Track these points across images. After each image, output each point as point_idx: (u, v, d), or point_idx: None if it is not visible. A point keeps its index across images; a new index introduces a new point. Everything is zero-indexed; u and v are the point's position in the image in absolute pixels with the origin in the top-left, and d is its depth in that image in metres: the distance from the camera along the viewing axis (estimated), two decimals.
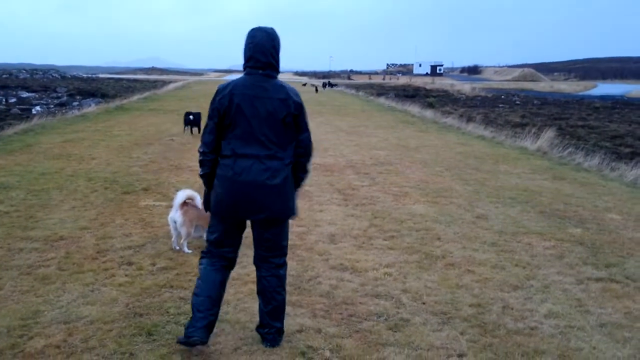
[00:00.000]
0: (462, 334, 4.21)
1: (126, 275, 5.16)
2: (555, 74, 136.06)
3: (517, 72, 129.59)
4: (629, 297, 5.01)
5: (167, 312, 4.41)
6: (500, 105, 33.03)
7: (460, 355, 3.90)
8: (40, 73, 70.08)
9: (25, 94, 32.70)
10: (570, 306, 4.78)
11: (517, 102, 36.17)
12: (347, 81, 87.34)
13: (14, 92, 33.56)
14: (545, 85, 78.47)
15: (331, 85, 59.86)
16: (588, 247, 6.37)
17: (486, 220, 7.35)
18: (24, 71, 73.38)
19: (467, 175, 10.46)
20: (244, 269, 5.39)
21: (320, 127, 18.26)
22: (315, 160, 11.57)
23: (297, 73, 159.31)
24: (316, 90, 49.50)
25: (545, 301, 4.86)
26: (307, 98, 35.03)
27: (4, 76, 59.70)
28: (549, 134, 15.26)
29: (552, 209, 8.04)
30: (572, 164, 12.37)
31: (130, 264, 5.47)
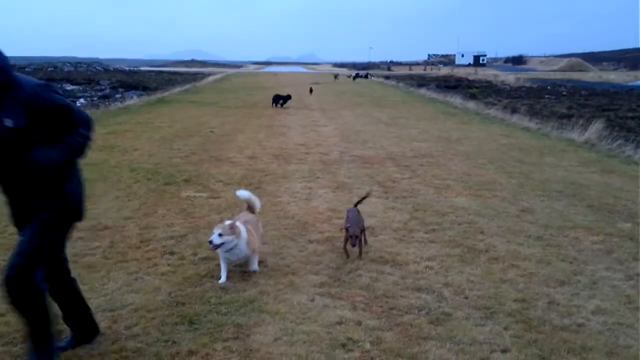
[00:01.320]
0: (505, 329, 4.11)
1: (169, 265, 5.24)
2: (604, 63, 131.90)
3: (563, 62, 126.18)
4: None
5: (209, 302, 4.45)
6: (546, 96, 32.17)
7: (504, 351, 3.81)
8: (84, 66, 71.71)
9: (70, 87, 33.55)
10: (619, 303, 4.61)
11: (564, 93, 35.18)
12: (387, 72, 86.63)
13: (59, 85, 34.42)
14: (593, 75, 76.11)
15: (361, 76, 59.38)
16: (638, 242, 6.13)
17: (531, 214, 7.16)
18: (69, 64, 75.23)
19: (511, 167, 10.22)
20: (283, 260, 5.41)
21: (359, 119, 18.15)
22: (355, 152, 11.53)
23: (335, 64, 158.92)
24: (335, 77, 50.20)
25: (592, 297, 4.70)
26: (346, 89, 34.91)
27: (49, 69, 61.33)
28: (597, 125, 14.77)
29: (601, 203, 7.78)
30: (621, 156, 11.95)
31: (172, 253, 5.55)
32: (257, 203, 5.66)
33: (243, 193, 5.62)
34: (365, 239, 5.72)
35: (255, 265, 5.15)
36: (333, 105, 23.61)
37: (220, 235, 4.71)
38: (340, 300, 4.55)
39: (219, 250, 4.81)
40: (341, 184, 8.71)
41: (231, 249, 4.80)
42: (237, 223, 4.91)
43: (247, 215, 5.39)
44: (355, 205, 5.88)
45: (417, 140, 13.58)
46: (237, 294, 4.62)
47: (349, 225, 5.38)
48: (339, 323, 4.15)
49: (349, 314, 4.31)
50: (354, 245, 5.34)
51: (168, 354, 3.69)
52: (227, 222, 4.85)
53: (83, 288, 4.60)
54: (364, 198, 6.07)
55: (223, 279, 4.88)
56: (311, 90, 27.33)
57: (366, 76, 59.62)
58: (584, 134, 14.21)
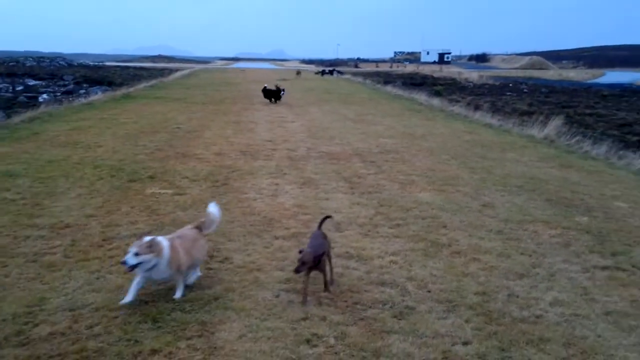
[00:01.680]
0: (467, 321, 4.21)
1: None
2: (564, 62, 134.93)
3: (525, 60, 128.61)
4: (635, 285, 5.00)
5: (173, 300, 4.43)
6: (508, 93, 32.79)
7: (465, 343, 3.91)
8: (47, 61, 70.02)
9: (32, 82, 32.69)
10: (576, 294, 4.77)
11: (525, 90, 35.90)
12: (355, 69, 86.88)
13: (21, 80, 33.51)
14: (553, 73, 77.82)
15: (327, 72, 59.42)
16: (594, 236, 6.34)
17: (492, 209, 7.32)
18: (31, 59, 73.35)
19: (473, 163, 10.41)
20: (249, 257, 5.41)
21: (326, 116, 18.19)
22: (321, 148, 11.56)
23: (303, 61, 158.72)
24: (297, 73, 49.98)
25: (550, 289, 4.85)
26: (314, 86, 34.94)
27: (11, 64, 59.71)
28: (556, 122, 15.15)
29: (559, 197, 8.00)
30: (579, 152, 12.29)
31: None
32: (214, 224, 4.99)
33: (213, 209, 5.02)
34: (329, 266, 4.84)
35: (179, 292, 4.49)
36: (300, 101, 23.59)
37: (136, 254, 4.14)
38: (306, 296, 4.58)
39: (136, 271, 4.25)
40: (308, 180, 8.73)
41: (150, 269, 4.25)
42: (159, 239, 4.33)
43: (187, 231, 4.77)
44: (319, 227, 5.06)
45: (383, 136, 13.69)
46: (201, 291, 4.61)
47: (304, 249, 4.51)
48: (304, 319, 4.18)
49: (314, 309, 4.35)
50: (296, 272, 4.35)
51: (130, 353, 3.67)
52: (147, 239, 4.24)
53: (43, 288, 4.55)
54: (325, 219, 5.15)
55: (128, 298, 4.31)
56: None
57: (331, 72, 59.51)
58: (543, 131, 14.56)
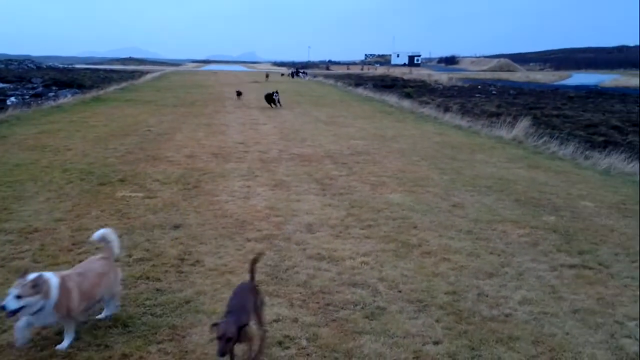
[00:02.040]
0: (437, 321, 4.27)
1: None
2: (531, 64, 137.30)
3: (493, 62, 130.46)
4: (601, 283, 5.12)
5: (143, 304, 4.40)
6: (477, 95, 33.27)
7: (435, 343, 3.96)
8: (16, 63, 68.62)
9: (0, 85, 32.03)
10: (544, 293, 4.87)
11: (494, 92, 36.47)
12: (326, 71, 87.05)
13: None
14: (521, 75, 79.12)
15: (298, 74, 59.03)
16: (562, 235, 6.48)
17: (462, 209, 7.43)
18: None
19: (443, 164, 10.55)
20: (221, 260, 5.40)
21: (298, 118, 18.22)
22: (293, 150, 11.58)
23: (275, 63, 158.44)
24: (266, 76, 48.44)
25: (519, 288, 4.95)
26: (285, 88, 34.90)
27: None
28: (524, 123, 15.44)
29: (527, 197, 8.16)
30: (546, 152, 12.54)
31: None
32: (115, 245, 4.27)
33: (98, 234, 4.25)
34: (261, 333, 3.69)
35: (66, 340, 3.75)
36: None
37: (18, 297, 3.44)
38: (278, 297, 4.60)
39: (19, 315, 3.56)
40: (280, 182, 8.74)
41: (35, 312, 3.55)
42: (47, 276, 3.63)
43: (94, 264, 4.07)
44: (252, 279, 3.86)
45: (354, 138, 13.77)
46: (172, 294, 4.58)
47: (221, 320, 3.35)
48: (276, 321, 4.20)
49: (286, 311, 4.36)
50: (221, 355, 3.19)
51: (100, 358, 3.64)
52: (31, 276, 3.54)
53: None
54: (255, 263, 3.91)
55: (19, 342, 3.68)
56: (239, 94, 25.37)
57: (297, 73, 58.86)
58: (512, 132, 14.81)
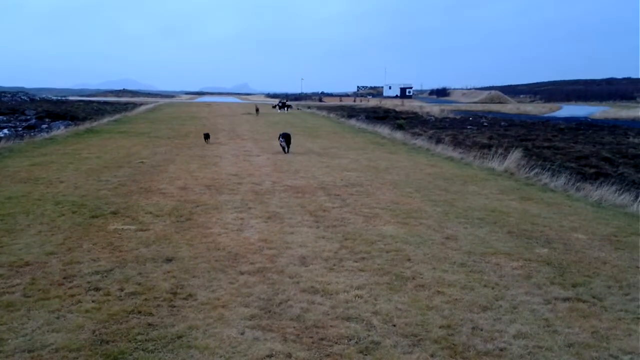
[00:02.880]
0: (432, 356, 4.24)
1: (93, 301, 5.08)
2: (522, 96, 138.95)
3: (484, 95, 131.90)
4: (595, 316, 5.11)
5: (135, 339, 4.34)
6: (469, 127, 33.61)
7: None
8: (9, 95, 68.81)
9: None
10: (539, 326, 4.85)
11: (485, 124, 36.86)
12: (319, 103, 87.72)
13: None
14: (512, 107, 79.94)
15: (286, 106, 54.80)
16: (555, 267, 6.48)
17: (455, 241, 7.43)
18: None
19: (436, 196, 10.58)
20: (214, 293, 5.36)
21: (291, 149, 18.30)
22: (287, 182, 11.60)
23: (269, 95, 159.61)
24: (256, 110, 42.18)
25: (514, 322, 4.92)
26: (278, 119, 35.14)
27: None
28: (515, 155, 15.55)
29: (520, 229, 8.18)
30: (538, 184, 12.62)
31: (97, 289, 5.38)
32: None
33: None
34: None
35: None
36: (265, 135, 23.68)
37: None
38: (271, 332, 4.56)
39: None
40: (273, 214, 8.74)
41: None
42: None
43: None
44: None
45: (347, 169, 13.82)
46: (164, 329, 4.53)
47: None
48: (269, 356, 4.15)
49: (280, 346, 4.32)
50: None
51: None
52: None
53: (1, 328, 4.41)
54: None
55: None
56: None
57: (282, 106, 54.95)
58: (503, 163, 14.91)
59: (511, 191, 11.49)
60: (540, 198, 10.85)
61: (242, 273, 5.96)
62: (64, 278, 5.66)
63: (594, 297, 5.58)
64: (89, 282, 5.56)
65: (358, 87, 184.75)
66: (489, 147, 20.57)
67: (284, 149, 16.99)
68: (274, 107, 54.40)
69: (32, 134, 21.72)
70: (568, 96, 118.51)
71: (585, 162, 17.88)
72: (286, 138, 17.27)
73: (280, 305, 5.13)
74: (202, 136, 20.48)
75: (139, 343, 4.28)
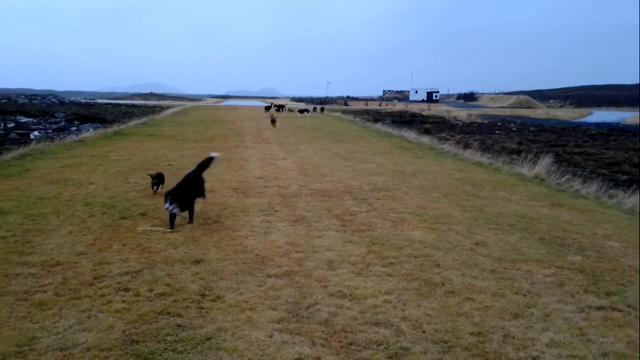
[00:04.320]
0: None
1: (123, 302, 5.12)
2: (551, 101, 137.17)
3: (512, 99, 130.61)
4: (630, 325, 4.98)
5: (164, 340, 4.36)
6: (497, 132, 33.21)
7: None
8: (39, 98, 70.40)
9: (23, 119, 32.74)
10: (572, 335, 4.73)
11: (514, 129, 36.40)
12: (344, 107, 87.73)
13: (13, 117, 33.58)
14: (541, 112, 78.93)
15: (307, 110, 53.61)
16: (588, 275, 6.34)
17: (485, 247, 7.32)
18: (23, 96, 73.76)
19: (465, 201, 10.46)
20: (242, 296, 5.36)
21: (317, 153, 18.30)
22: (313, 185, 11.58)
23: (294, 99, 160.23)
24: (272, 122, 36.97)
25: (546, 330, 4.82)
26: (304, 123, 35.20)
27: (3, 101, 59.91)
28: (546, 160, 15.30)
29: (551, 236, 8.02)
30: (570, 190, 12.38)
31: (127, 289, 5.43)
32: None
33: None
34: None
35: None
36: (291, 139, 23.74)
37: None
38: (299, 335, 4.53)
39: None
40: (300, 217, 8.72)
41: None
42: None
43: None
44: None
45: (373, 174, 13.76)
46: (193, 331, 4.54)
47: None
48: (298, 359, 4.12)
49: (308, 350, 4.29)
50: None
51: None
52: None
53: (33, 327, 4.47)
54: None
55: None
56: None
57: (279, 108, 54.51)
58: (533, 169, 14.67)
59: (542, 197, 11.29)
60: (572, 204, 10.64)
61: (269, 276, 5.95)
62: (95, 278, 5.72)
63: (628, 306, 5.43)
64: (118, 283, 5.61)
65: (384, 91, 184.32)
66: (519, 152, 20.29)
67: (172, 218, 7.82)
68: (299, 111, 53.89)
69: (61, 136, 22.10)
70: (598, 101, 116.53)
71: (618, 168, 17.50)
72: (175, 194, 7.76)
73: (308, 309, 5.10)
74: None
75: (169, 344, 4.29)
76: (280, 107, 56.64)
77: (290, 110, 57.15)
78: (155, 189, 10.31)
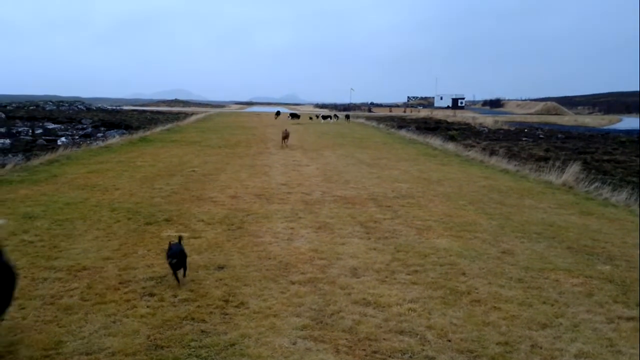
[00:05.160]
0: None
1: (148, 307, 5.14)
2: (579, 107, 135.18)
3: (540, 106, 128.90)
4: None
5: (189, 345, 4.37)
6: (524, 139, 32.80)
7: None
8: (66, 105, 71.72)
9: (51, 125, 33.38)
10: (601, 346, 4.62)
11: (541, 136, 35.91)
12: (368, 113, 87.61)
13: (40, 124, 34.27)
14: (569, 118, 77.79)
15: (325, 117, 52.65)
16: (618, 285, 6.19)
17: (512, 256, 7.20)
18: (51, 103, 75.25)
19: (491, 209, 10.32)
20: (265, 302, 5.34)
21: (341, 160, 18.27)
22: (337, 192, 11.55)
23: (317, 105, 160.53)
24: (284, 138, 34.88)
25: (575, 340, 4.71)
26: (327, 130, 35.20)
27: (31, 108, 61.19)
28: (574, 168, 15.02)
29: (580, 245, 7.86)
30: (599, 199, 12.13)
31: (152, 295, 5.46)
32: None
33: None
34: None
35: None
36: (314, 145, 23.76)
37: None
38: (323, 343, 4.50)
39: None
40: (323, 224, 8.70)
41: None
42: None
43: None
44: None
45: (398, 181, 13.67)
46: (217, 337, 4.54)
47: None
48: None
49: (332, 357, 4.25)
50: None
51: None
52: None
53: (60, 331, 4.52)
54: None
55: None
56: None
57: (325, 117, 52.63)
58: (561, 177, 14.41)
59: (570, 205, 11.09)
60: (601, 213, 10.42)
61: (293, 283, 5.93)
62: (120, 283, 5.77)
63: None
64: (143, 288, 5.64)
65: (408, 97, 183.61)
66: (546, 159, 20.00)
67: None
68: (309, 117, 53.06)
69: (88, 142, 22.44)
70: (628, 108, 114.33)
71: None
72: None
73: (332, 316, 5.07)
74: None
75: (193, 349, 4.30)
76: (293, 115, 54.51)
77: (295, 116, 54.70)
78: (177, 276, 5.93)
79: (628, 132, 42.50)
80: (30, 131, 28.10)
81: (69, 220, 8.43)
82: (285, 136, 23.36)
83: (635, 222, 9.78)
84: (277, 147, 22.28)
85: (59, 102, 75.50)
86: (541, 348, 4.55)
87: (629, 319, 5.24)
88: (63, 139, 24.58)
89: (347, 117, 54.29)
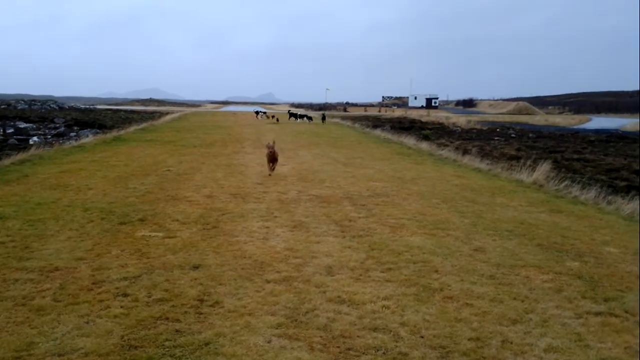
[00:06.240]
0: None
1: (121, 307, 5.12)
2: (550, 107, 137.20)
3: (511, 106, 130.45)
4: (628, 331, 4.98)
5: (163, 345, 4.36)
6: (496, 138, 33.25)
7: None
8: (39, 104, 70.38)
9: (22, 125, 32.75)
10: (570, 340, 4.74)
11: (513, 135, 36.44)
12: (343, 113, 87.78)
13: (12, 123, 33.57)
14: (540, 118, 78.91)
15: (306, 117, 51.28)
16: (586, 281, 6.34)
17: (484, 253, 7.33)
18: (22, 102, 73.80)
19: (463, 207, 10.47)
20: (240, 301, 5.36)
21: (316, 159, 18.32)
22: (312, 191, 11.59)
23: (293, 105, 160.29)
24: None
25: (544, 335, 4.82)
26: (303, 129, 35.23)
27: (2, 107, 59.94)
28: (544, 167, 15.31)
29: (550, 242, 8.03)
30: (568, 197, 12.39)
31: (125, 295, 5.43)
32: None
33: None
34: None
35: None
36: (290, 144, 23.75)
37: None
38: (298, 341, 4.53)
39: None
40: (299, 223, 8.73)
41: None
42: None
43: None
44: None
45: (373, 180, 13.76)
46: (192, 336, 4.54)
47: None
48: None
49: (306, 355, 4.29)
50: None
51: None
52: None
53: (32, 332, 4.47)
54: None
55: None
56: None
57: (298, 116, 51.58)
58: (532, 175, 14.68)
59: (540, 203, 11.30)
60: (571, 211, 10.65)
61: (268, 281, 5.95)
62: (93, 283, 5.72)
63: (626, 312, 5.44)
64: (117, 288, 5.61)
65: (383, 97, 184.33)
66: (517, 158, 20.32)
67: None
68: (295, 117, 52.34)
69: (61, 141, 22.11)
70: (598, 108, 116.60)
71: (617, 174, 17.53)
72: None
73: (306, 314, 5.10)
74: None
75: (167, 349, 4.29)
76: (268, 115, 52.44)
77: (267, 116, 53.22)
78: None
79: (597, 132, 43.38)
80: (1, 130, 27.56)
81: (41, 221, 8.32)
82: (272, 158, 14.14)
83: (604, 219, 10.02)
84: (253, 147, 22.23)
85: (31, 101, 74.05)
86: (512, 343, 4.64)
87: (597, 314, 5.37)
88: (35, 138, 24.17)
89: (323, 117, 51.13)
